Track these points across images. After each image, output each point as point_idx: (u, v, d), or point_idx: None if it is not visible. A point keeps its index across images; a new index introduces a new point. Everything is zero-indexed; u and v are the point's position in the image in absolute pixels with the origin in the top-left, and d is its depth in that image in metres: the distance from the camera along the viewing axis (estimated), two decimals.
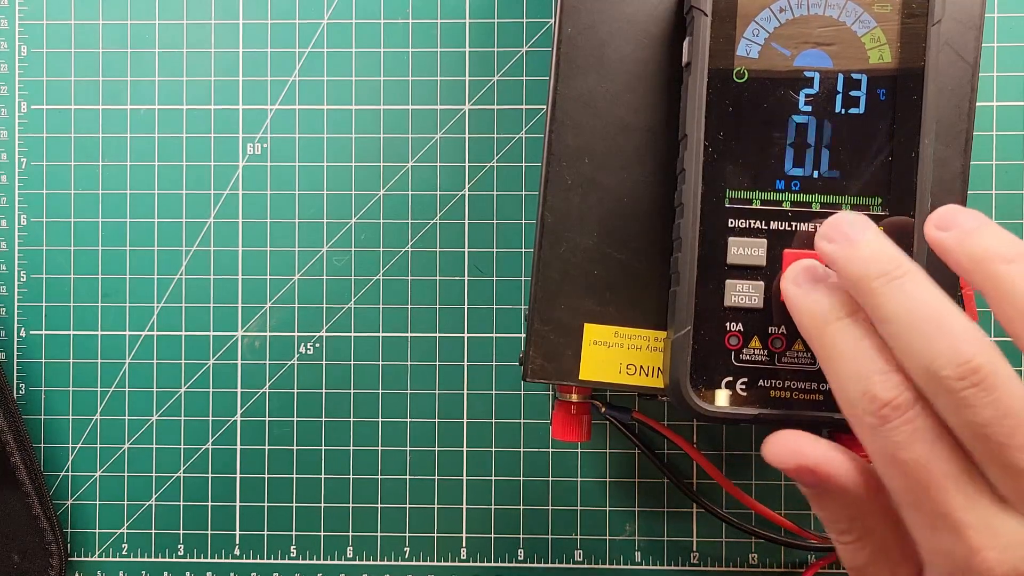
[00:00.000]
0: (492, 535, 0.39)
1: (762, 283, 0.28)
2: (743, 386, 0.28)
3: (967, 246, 0.23)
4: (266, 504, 0.40)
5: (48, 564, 0.39)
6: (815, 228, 0.28)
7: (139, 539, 0.40)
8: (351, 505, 0.40)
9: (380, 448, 0.39)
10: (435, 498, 0.39)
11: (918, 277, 0.23)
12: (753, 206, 0.28)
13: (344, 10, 0.40)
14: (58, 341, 0.40)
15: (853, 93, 0.28)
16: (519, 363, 0.33)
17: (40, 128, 0.40)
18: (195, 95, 0.40)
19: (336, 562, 0.40)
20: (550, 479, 0.39)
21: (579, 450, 0.39)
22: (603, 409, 0.37)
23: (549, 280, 0.31)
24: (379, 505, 0.39)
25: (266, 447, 0.40)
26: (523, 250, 0.39)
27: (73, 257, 0.40)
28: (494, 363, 0.39)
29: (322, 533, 0.40)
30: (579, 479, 0.39)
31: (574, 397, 0.34)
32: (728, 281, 0.28)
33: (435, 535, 0.39)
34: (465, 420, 0.39)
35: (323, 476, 0.40)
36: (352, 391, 0.40)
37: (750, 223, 0.28)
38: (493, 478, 0.39)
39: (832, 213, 0.28)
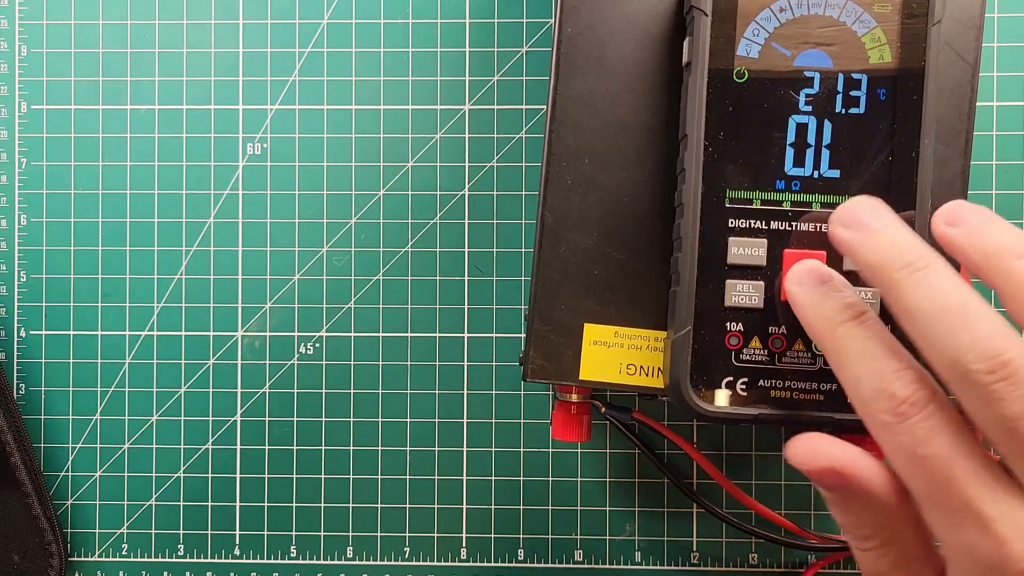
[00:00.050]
0: (492, 535, 0.39)
1: (762, 283, 0.28)
2: (743, 386, 0.28)
3: (977, 241, 0.23)
4: (266, 504, 0.40)
5: (48, 564, 0.39)
6: (815, 228, 0.28)
7: (139, 539, 0.40)
8: (351, 505, 0.40)
9: (380, 448, 0.39)
10: (435, 498, 0.39)
11: (942, 268, 0.22)
12: (753, 206, 0.28)
13: (344, 10, 0.40)
14: (58, 341, 0.40)
15: (853, 93, 0.28)
16: (519, 363, 0.33)
17: (40, 128, 0.40)
18: (195, 95, 0.40)
19: (336, 562, 0.40)
20: (550, 479, 0.39)
21: (579, 450, 0.39)
22: (603, 409, 0.37)
23: (549, 280, 0.31)
24: (379, 505, 0.39)
25: (266, 447, 0.40)
26: (523, 250, 0.39)
27: (73, 257, 0.40)
28: (494, 363, 0.39)
29: (322, 533, 0.40)
30: (579, 479, 0.39)
31: (574, 397, 0.34)
32: (728, 281, 0.28)
33: (435, 535, 0.39)
34: (465, 420, 0.39)
35: (323, 476, 0.40)
36: (352, 391, 0.40)
37: (750, 223, 0.28)
38: (493, 478, 0.39)
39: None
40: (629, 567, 0.39)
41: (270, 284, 0.40)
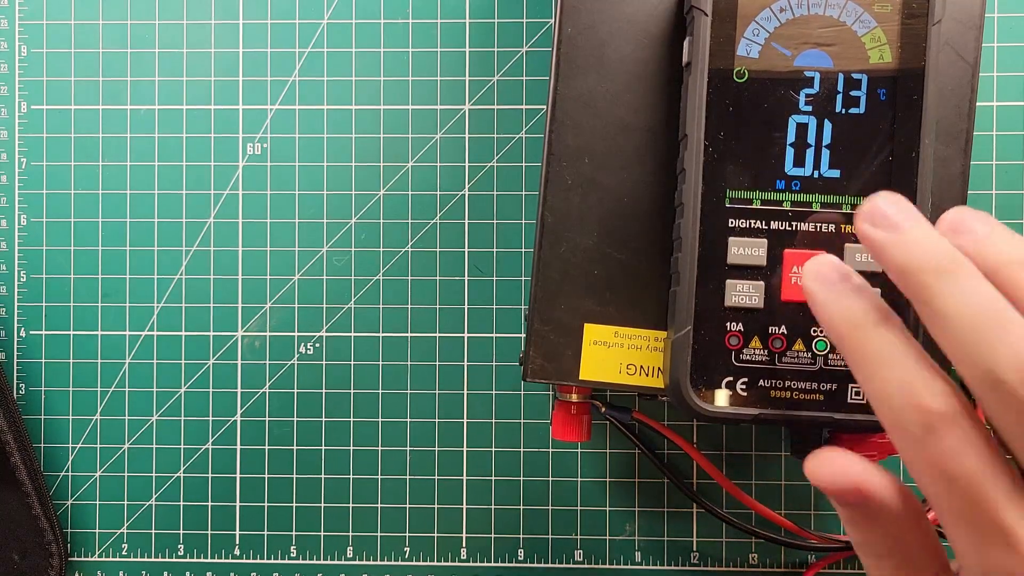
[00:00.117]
0: (492, 535, 0.39)
1: (762, 283, 0.28)
2: (743, 386, 0.28)
3: (985, 252, 0.22)
4: (266, 504, 0.40)
5: (48, 564, 0.39)
6: (815, 228, 0.28)
7: (139, 539, 0.40)
8: (351, 505, 0.40)
9: (380, 448, 0.39)
10: (435, 498, 0.39)
11: (973, 273, 0.21)
12: (753, 206, 0.28)
13: (344, 10, 0.40)
14: (58, 341, 0.40)
15: (853, 93, 0.28)
16: (519, 363, 0.33)
17: (40, 128, 0.40)
18: (195, 95, 0.40)
19: (336, 562, 0.40)
20: (550, 479, 0.39)
21: (579, 450, 0.39)
22: (603, 409, 0.37)
23: (549, 280, 0.31)
24: (379, 505, 0.39)
25: (266, 447, 0.40)
26: (523, 250, 0.39)
27: (73, 257, 0.40)
28: (494, 363, 0.39)
29: (322, 533, 0.40)
30: (579, 479, 0.39)
31: (574, 397, 0.34)
32: (728, 281, 0.28)
33: (435, 535, 0.39)
34: (465, 420, 0.39)
35: (323, 476, 0.40)
36: (352, 391, 0.40)
37: (750, 223, 0.28)
38: (493, 478, 0.39)
39: (832, 213, 0.28)
40: (629, 567, 0.39)
41: (270, 284, 0.40)
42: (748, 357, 0.28)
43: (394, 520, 0.39)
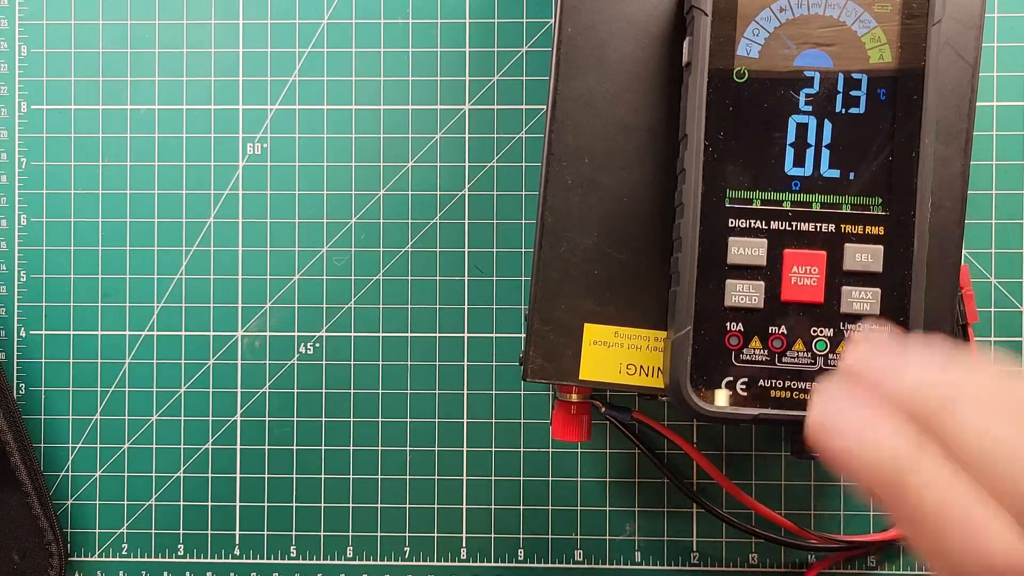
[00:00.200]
0: (492, 535, 0.39)
1: (762, 283, 0.28)
2: (743, 386, 0.28)
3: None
4: (266, 504, 0.40)
5: (48, 564, 0.39)
6: (815, 228, 0.28)
7: (139, 539, 0.40)
8: (351, 505, 0.40)
9: (380, 448, 0.39)
10: (435, 498, 0.39)
11: (931, 470, 0.19)
12: (753, 206, 0.28)
13: (344, 10, 0.40)
14: (58, 341, 0.40)
15: (853, 93, 0.28)
16: (519, 363, 0.33)
17: (40, 128, 0.40)
18: (195, 95, 0.40)
19: (336, 562, 0.40)
20: (550, 479, 0.39)
21: (579, 450, 0.39)
22: (603, 409, 0.37)
23: (549, 280, 0.31)
24: (379, 505, 0.39)
25: (266, 447, 0.40)
26: (523, 250, 0.39)
27: (73, 257, 0.40)
28: (494, 363, 0.39)
29: (322, 533, 0.40)
30: (579, 479, 0.39)
31: (574, 397, 0.34)
32: (728, 281, 0.28)
33: (435, 535, 0.39)
34: (465, 420, 0.39)
35: (323, 476, 0.40)
36: (352, 391, 0.40)
37: (750, 223, 0.28)
38: (493, 478, 0.39)
39: (832, 213, 0.28)
40: (629, 567, 0.39)
41: (270, 284, 0.40)
42: (748, 357, 0.28)
43: (394, 520, 0.39)
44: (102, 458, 0.40)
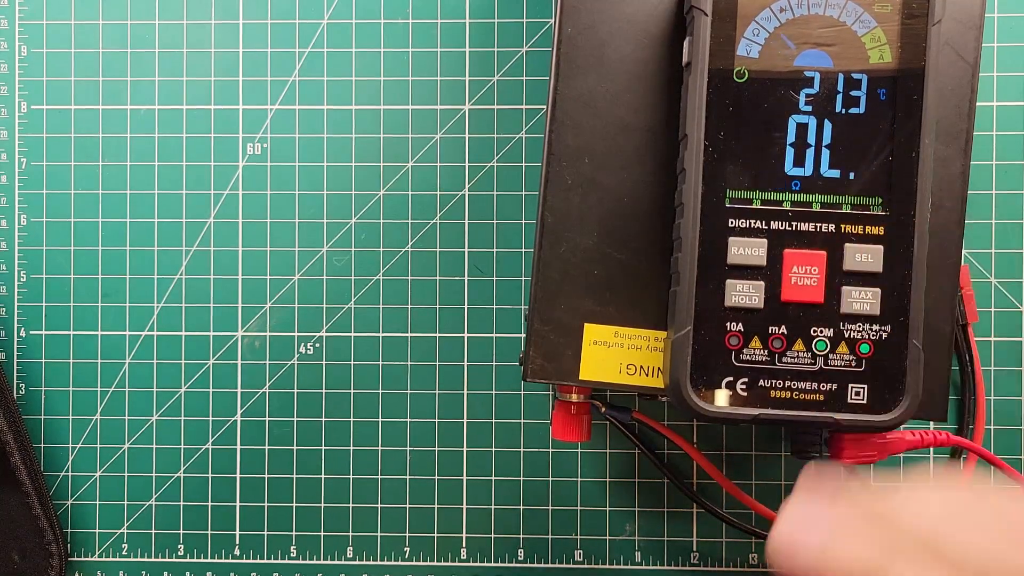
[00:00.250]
0: (492, 535, 0.39)
1: (762, 283, 0.28)
2: (743, 386, 0.28)
3: None
4: (266, 504, 0.40)
5: (48, 564, 0.39)
6: (815, 228, 0.28)
7: (139, 539, 0.40)
8: (351, 505, 0.40)
9: (380, 448, 0.39)
10: (435, 498, 0.39)
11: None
12: (753, 206, 0.28)
13: (344, 10, 0.40)
14: (58, 341, 0.40)
15: (853, 93, 0.28)
16: (519, 363, 0.33)
17: (40, 128, 0.40)
18: (195, 95, 0.40)
19: (336, 562, 0.40)
20: (550, 479, 0.39)
21: (579, 450, 0.39)
22: (603, 409, 0.37)
23: (549, 280, 0.31)
24: (379, 505, 0.39)
25: (266, 447, 0.40)
26: (523, 250, 0.39)
27: (73, 257, 0.40)
28: (494, 363, 0.39)
29: (322, 533, 0.40)
30: (579, 479, 0.39)
31: (574, 397, 0.34)
32: (728, 281, 0.28)
33: (435, 535, 0.39)
34: (465, 420, 0.39)
35: (323, 476, 0.40)
36: (352, 391, 0.40)
37: (750, 223, 0.28)
38: (493, 478, 0.39)
39: (832, 213, 0.28)
40: (629, 567, 0.39)
41: (270, 284, 0.40)
42: (748, 357, 0.28)
43: (394, 520, 0.39)
44: (102, 458, 0.40)
